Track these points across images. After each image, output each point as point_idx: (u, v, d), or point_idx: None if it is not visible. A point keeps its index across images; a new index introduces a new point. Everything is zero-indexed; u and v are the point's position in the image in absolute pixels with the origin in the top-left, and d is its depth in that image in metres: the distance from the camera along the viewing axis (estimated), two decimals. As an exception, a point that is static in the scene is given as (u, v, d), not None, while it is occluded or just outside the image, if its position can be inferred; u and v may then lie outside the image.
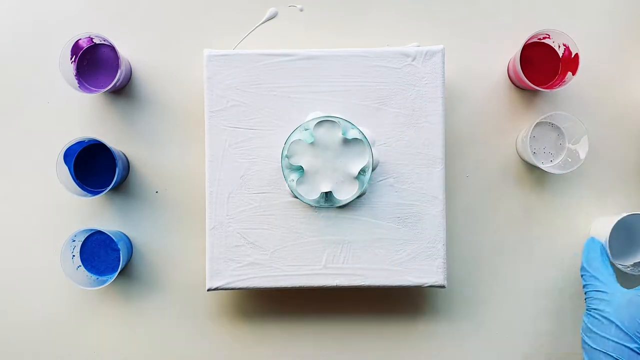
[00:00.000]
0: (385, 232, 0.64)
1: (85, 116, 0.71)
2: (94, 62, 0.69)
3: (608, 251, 0.64)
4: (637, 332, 0.57)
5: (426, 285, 0.64)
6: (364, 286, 0.64)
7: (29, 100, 0.71)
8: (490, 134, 0.71)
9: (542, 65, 0.69)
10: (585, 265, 0.63)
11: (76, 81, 0.68)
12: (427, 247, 0.64)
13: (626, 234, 0.69)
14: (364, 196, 0.64)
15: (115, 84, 0.65)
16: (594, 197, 0.70)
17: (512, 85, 0.71)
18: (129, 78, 0.70)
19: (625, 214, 0.64)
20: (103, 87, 0.68)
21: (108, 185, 0.66)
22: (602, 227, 0.67)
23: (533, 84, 0.66)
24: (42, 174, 0.69)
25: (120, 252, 0.65)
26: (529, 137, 0.66)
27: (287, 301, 0.70)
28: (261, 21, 0.71)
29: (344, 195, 0.63)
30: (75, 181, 0.68)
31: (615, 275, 0.62)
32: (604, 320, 0.58)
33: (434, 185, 0.64)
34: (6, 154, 0.71)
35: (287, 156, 0.62)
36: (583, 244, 0.69)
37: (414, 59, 0.65)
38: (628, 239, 0.69)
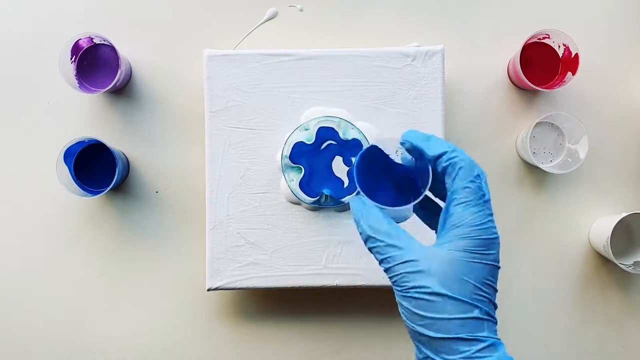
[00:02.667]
0: (385, 232, 0.64)
1: (85, 116, 0.71)
2: (94, 62, 0.69)
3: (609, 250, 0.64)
4: (474, 294, 0.43)
5: (426, 285, 0.64)
6: (364, 286, 0.64)
7: (29, 100, 0.71)
8: (490, 134, 0.71)
9: (542, 65, 0.69)
10: (370, 233, 0.45)
11: (76, 81, 0.68)
12: (427, 247, 0.64)
13: (626, 234, 0.69)
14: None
15: (115, 84, 0.65)
16: (594, 197, 0.70)
17: (512, 85, 0.71)
18: (129, 78, 0.70)
19: (625, 214, 0.64)
20: (103, 87, 0.68)
21: (108, 185, 0.66)
22: (602, 227, 0.67)
23: (533, 84, 0.66)
24: (42, 174, 0.69)
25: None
26: (529, 137, 0.66)
27: (287, 301, 0.70)
28: (261, 21, 0.71)
29: (344, 195, 0.63)
30: (75, 181, 0.68)
31: (406, 233, 0.45)
32: (431, 297, 0.43)
33: (434, 185, 0.64)
34: (6, 154, 0.71)
35: (286, 156, 0.62)
36: (580, 244, 0.69)
37: (414, 59, 0.65)
38: (628, 239, 0.69)
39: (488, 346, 0.42)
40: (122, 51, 0.69)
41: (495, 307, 0.44)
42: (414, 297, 0.43)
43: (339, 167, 0.64)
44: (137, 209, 0.70)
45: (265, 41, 0.71)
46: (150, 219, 0.70)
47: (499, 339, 0.43)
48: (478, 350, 0.42)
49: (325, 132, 0.63)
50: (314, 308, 0.70)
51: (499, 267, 0.45)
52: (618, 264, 0.65)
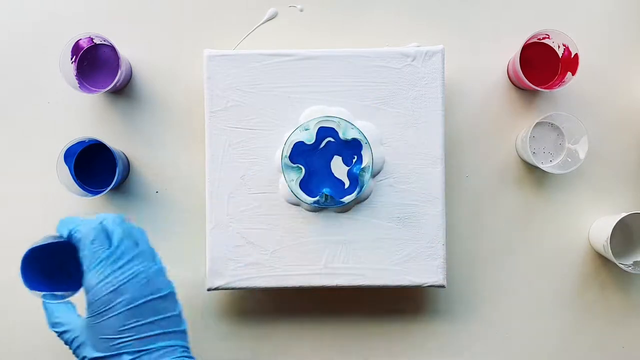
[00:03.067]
0: (385, 232, 0.64)
1: (85, 116, 0.71)
2: (94, 63, 0.69)
3: (609, 253, 0.64)
4: (115, 345, 0.49)
5: (426, 285, 0.64)
6: (364, 286, 0.64)
7: (29, 100, 0.71)
8: (490, 134, 0.71)
9: (542, 65, 0.69)
10: (52, 327, 0.53)
11: (76, 81, 0.68)
12: (426, 247, 0.64)
13: (626, 234, 0.69)
14: (364, 196, 0.64)
15: (115, 84, 0.65)
16: (594, 197, 0.70)
17: (512, 85, 0.71)
18: (129, 78, 0.70)
19: (625, 214, 0.64)
20: (103, 87, 0.68)
21: (108, 185, 0.66)
22: (601, 227, 0.67)
23: (533, 84, 0.66)
24: (42, 174, 0.69)
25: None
26: (528, 137, 0.66)
27: (287, 301, 0.70)
28: (261, 21, 0.71)
29: (344, 195, 0.63)
30: (75, 181, 0.68)
31: (70, 303, 0.54)
32: None
33: (434, 185, 0.64)
34: (6, 154, 0.71)
35: (286, 156, 0.62)
36: (580, 244, 0.69)
37: (414, 59, 0.65)
38: (628, 239, 0.69)
39: None
40: (123, 51, 0.69)
41: (161, 333, 0.50)
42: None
43: (339, 167, 0.64)
44: (137, 209, 0.70)
45: (265, 41, 0.71)
46: (150, 219, 0.70)
47: None
48: None
49: (325, 132, 0.63)
50: (314, 308, 0.70)
51: (145, 301, 0.50)
52: (618, 264, 0.65)
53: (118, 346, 0.49)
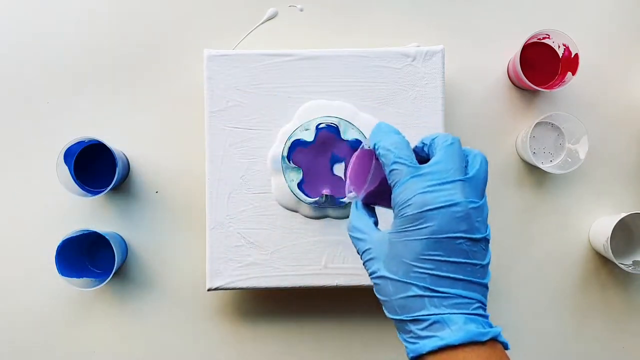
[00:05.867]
0: (385, 232, 0.64)
1: (85, 116, 0.71)
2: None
3: (610, 252, 0.64)
4: (410, 273, 0.42)
5: (426, 285, 0.64)
6: (364, 286, 0.64)
7: (29, 100, 0.71)
8: (490, 134, 0.71)
9: (542, 65, 0.69)
10: (349, 232, 0.48)
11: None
12: (427, 247, 0.64)
13: (626, 234, 0.69)
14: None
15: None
16: (594, 197, 0.70)
17: (512, 85, 0.71)
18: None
19: (625, 214, 0.64)
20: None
21: (108, 185, 0.66)
22: (602, 227, 0.67)
23: (533, 84, 0.66)
24: (42, 174, 0.69)
25: (115, 253, 0.65)
26: (529, 137, 0.66)
27: (287, 301, 0.70)
28: (261, 21, 0.71)
29: (344, 195, 0.63)
30: (75, 181, 0.68)
31: (375, 222, 0.48)
32: (380, 280, 0.44)
33: (434, 185, 0.64)
34: (6, 154, 0.71)
35: (286, 156, 0.62)
36: (580, 244, 0.69)
37: (414, 59, 0.65)
38: (628, 239, 0.69)
39: (431, 324, 0.42)
40: (123, 51, 0.69)
41: (457, 279, 0.42)
42: (374, 283, 0.45)
43: (339, 168, 0.64)
44: (137, 209, 0.70)
45: (265, 41, 0.71)
46: (150, 219, 0.70)
47: (450, 314, 0.41)
48: (422, 330, 0.42)
49: (325, 132, 0.63)
50: (314, 308, 0.70)
51: (454, 237, 0.42)
52: (618, 264, 0.65)
53: (411, 275, 0.42)
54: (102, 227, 0.70)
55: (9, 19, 0.71)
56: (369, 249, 0.45)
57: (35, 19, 0.71)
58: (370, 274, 0.45)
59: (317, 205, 0.63)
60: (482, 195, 0.44)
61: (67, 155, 0.66)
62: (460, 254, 0.42)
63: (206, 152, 0.65)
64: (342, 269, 0.64)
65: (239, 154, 0.65)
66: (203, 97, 0.65)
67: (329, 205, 0.63)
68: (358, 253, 0.47)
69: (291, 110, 0.65)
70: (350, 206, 0.64)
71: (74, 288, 0.65)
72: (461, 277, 0.42)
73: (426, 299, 0.42)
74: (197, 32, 0.71)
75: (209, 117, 0.65)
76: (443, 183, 0.43)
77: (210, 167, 0.65)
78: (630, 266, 0.66)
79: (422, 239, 0.42)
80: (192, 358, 0.70)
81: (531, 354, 0.70)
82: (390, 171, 0.44)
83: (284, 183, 0.64)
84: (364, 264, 0.46)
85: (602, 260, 0.70)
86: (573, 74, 0.66)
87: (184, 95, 0.70)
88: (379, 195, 0.48)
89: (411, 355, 0.43)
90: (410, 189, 0.43)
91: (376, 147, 0.46)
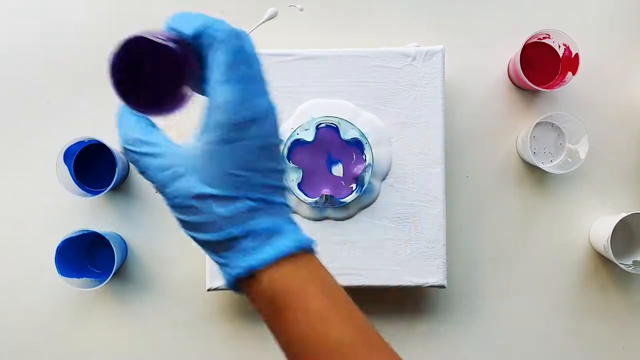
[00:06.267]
0: (385, 232, 0.64)
1: (85, 116, 0.71)
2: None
3: (610, 252, 0.64)
4: (238, 183, 0.37)
5: (426, 285, 0.64)
6: (364, 286, 0.64)
7: (29, 100, 0.71)
8: (490, 134, 0.71)
9: (542, 65, 0.69)
10: (124, 144, 0.41)
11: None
12: (427, 247, 0.64)
13: (626, 234, 0.69)
14: (364, 196, 0.64)
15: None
16: (594, 197, 0.70)
17: (512, 85, 0.71)
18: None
19: (625, 214, 0.64)
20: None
21: (108, 185, 0.66)
22: (602, 227, 0.67)
23: (533, 84, 0.65)
24: (42, 174, 0.69)
25: (115, 253, 0.65)
26: (529, 137, 0.65)
27: (287, 301, 0.70)
28: (261, 21, 0.71)
29: (344, 195, 0.63)
30: (75, 181, 0.68)
31: (162, 132, 0.41)
32: (197, 201, 0.37)
33: (434, 185, 0.64)
34: (6, 154, 0.71)
35: (285, 157, 0.62)
36: (580, 244, 0.69)
37: (414, 59, 0.65)
38: (628, 239, 0.69)
39: (264, 234, 0.37)
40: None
41: (280, 188, 0.38)
42: (182, 206, 0.38)
43: (339, 168, 0.64)
44: (137, 209, 0.70)
45: (265, 41, 0.71)
46: (151, 219, 0.70)
47: (284, 222, 0.38)
48: (253, 242, 0.37)
49: (325, 132, 0.63)
50: (314, 308, 0.70)
51: (275, 144, 0.38)
52: (618, 264, 0.65)
53: (240, 185, 0.37)
54: (102, 227, 0.70)
55: (9, 18, 0.71)
56: (172, 165, 0.38)
57: (35, 19, 0.71)
58: (175, 197, 0.37)
59: (316, 205, 0.63)
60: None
61: (67, 155, 0.66)
62: (277, 160, 0.39)
63: (206, 152, 0.65)
64: (342, 269, 0.64)
65: (239, 154, 0.65)
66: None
67: (329, 205, 0.63)
68: (139, 171, 0.40)
69: (291, 111, 0.65)
70: (350, 206, 0.64)
71: (74, 288, 0.65)
72: (281, 185, 0.38)
73: (257, 211, 0.37)
74: (197, 32, 0.71)
75: (209, 117, 0.65)
76: (258, 90, 0.39)
77: (210, 167, 0.64)
78: (630, 266, 0.66)
79: (251, 145, 0.37)
80: (192, 358, 0.70)
81: (531, 354, 0.70)
82: (218, 63, 0.38)
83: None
84: (160, 185, 0.38)
85: (602, 260, 0.70)
86: (573, 74, 0.66)
87: (184, 95, 0.70)
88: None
89: (241, 272, 0.37)
90: (241, 89, 0.38)
91: (205, 30, 0.39)
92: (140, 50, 0.38)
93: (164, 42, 0.38)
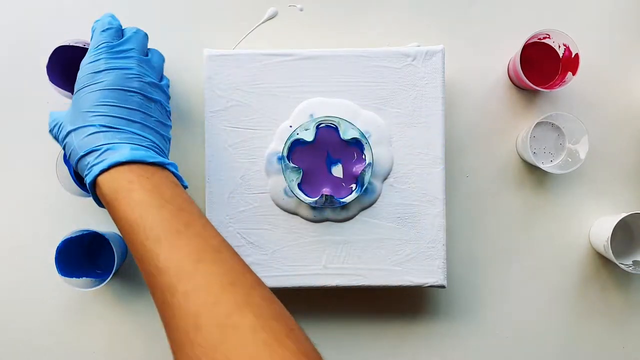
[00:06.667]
0: (385, 232, 0.64)
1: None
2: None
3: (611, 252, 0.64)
4: (89, 117, 0.52)
5: (426, 285, 0.64)
6: (364, 286, 0.64)
7: (29, 100, 0.71)
8: (490, 134, 0.71)
9: (542, 65, 0.69)
10: (49, 131, 0.56)
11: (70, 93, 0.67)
12: (427, 247, 0.64)
13: (626, 234, 0.69)
14: (366, 197, 0.64)
15: None
16: (594, 197, 0.70)
17: (512, 85, 0.71)
18: None
19: (625, 214, 0.64)
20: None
21: (108, 185, 0.65)
22: (602, 227, 0.67)
23: (533, 84, 0.65)
24: (42, 174, 0.69)
25: (115, 253, 0.65)
26: (529, 137, 0.65)
27: (287, 301, 0.70)
28: (261, 21, 0.71)
29: (344, 195, 0.63)
30: (75, 181, 0.68)
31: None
32: (68, 138, 0.53)
33: (434, 185, 0.64)
34: (6, 154, 0.71)
35: (285, 156, 0.62)
36: (580, 244, 0.69)
37: (414, 59, 0.65)
38: (628, 239, 0.69)
39: (103, 152, 0.50)
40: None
41: (133, 122, 0.52)
42: (63, 147, 0.54)
43: (339, 168, 0.64)
44: (137, 209, 0.70)
45: (265, 41, 0.71)
46: (150, 219, 0.70)
47: (120, 143, 0.51)
48: (96, 158, 0.50)
49: (325, 132, 0.63)
50: (314, 308, 0.70)
51: (133, 91, 0.53)
52: (618, 264, 0.65)
53: (88, 119, 0.51)
54: (102, 227, 0.70)
55: (9, 18, 0.71)
56: (60, 123, 0.54)
57: (35, 18, 0.71)
58: (63, 144, 0.53)
59: (316, 205, 0.63)
60: (161, 78, 0.58)
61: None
62: (133, 103, 0.53)
63: (206, 152, 0.65)
64: (342, 269, 0.64)
65: (239, 154, 0.65)
66: (203, 97, 0.65)
67: (329, 205, 0.63)
68: (58, 141, 0.54)
69: (291, 111, 0.65)
70: (351, 207, 0.64)
71: (74, 288, 0.65)
72: (136, 120, 0.52)
73: (101, 134, 0.51)
74: (197, 32, 0.71)
75: (209, 117, 0.65)
76: (125, 57, 0.54)
77: (210, 167, 0.65)
78: (630, 266, 0.66)
79: (97, 90, 0.52)
80: (192, 358, 0.70)
81: (531, 353, 0.70)
82: (91, 44, 0.55)
83: (279, 186, 0.64)
84: (60, 142, 0.54)
85: (602, 260, 0.70)
86: (573, 74, 0.66)
87: (183, 95, 0.70)
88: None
89: (88, 181, 0.50)
90: (96, 55, 0.54)
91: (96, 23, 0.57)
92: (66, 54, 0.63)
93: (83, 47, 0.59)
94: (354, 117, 0.64)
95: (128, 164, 0.49)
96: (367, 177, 0.62)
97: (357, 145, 0.63)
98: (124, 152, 0.49)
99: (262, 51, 0.65)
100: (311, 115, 0.64)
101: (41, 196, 0.70)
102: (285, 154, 0.62)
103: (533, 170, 0.71)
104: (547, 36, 0.68)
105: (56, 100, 0.70)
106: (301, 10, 0.71)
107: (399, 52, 0.65)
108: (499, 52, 0.71)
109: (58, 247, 0.64)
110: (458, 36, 0.71)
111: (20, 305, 0.70)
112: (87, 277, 0.68)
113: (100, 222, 0.70)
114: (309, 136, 0.62)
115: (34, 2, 0.71)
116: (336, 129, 0.63)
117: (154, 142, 0.53)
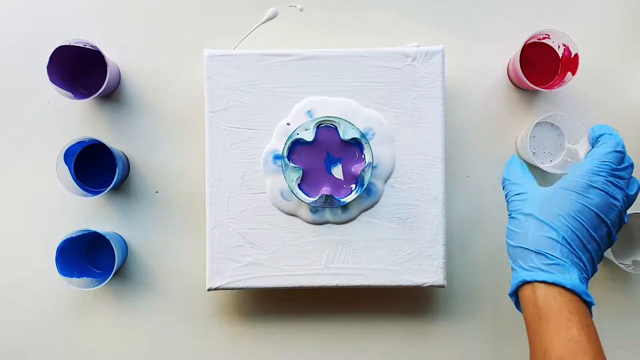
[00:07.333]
0: (385, 232, 0.64)
1: (86, 116, 0.71)
2: (86, 69, 0.69)
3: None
4: (558, 221, 0.51)
5: (426, 285, 0.64)
6: (364, 286, 0.64)
7: (29, 100, 0.71)
8: (490, 134, 0.71)
9: (542, 65, 0.69)
10: (505, 176, 0.58)
11: (70, 93, 0.68)
12: (427, 247, 0.64)
13: (626, 234, 0.69)
14: (367, 198, 0.64)
15: (102, 91, 0.65)
16: (594, 197, 0.70)
17: (512, 85, 0.71)
18: (117, 83, 0.70)
19: (625, 214, 0.64)
20: (95, 92, 0.65)
21: (108, 185, 0.66)
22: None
23: (533, 84, 0.66)
24: (42, 174, 0.69)
25: (115, 253, 0.65)
26: (528, 137, 0.66)
27: (287, 301, 0.70)
28: (261, 21, 0.71)
29: (344, 195, 0.63)
30: (75, 181, 0.68)
31: (535, 179, 0.57)
32: (522, 217, 0.53)
33: (434, 185, 0.64)
34: (6, 154, 0.71)
35: (285, 156, 0.62)
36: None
37: (414, 59, 0.65)
38: (628, 239, 0.69)
39: (554, 264, 0.50)
40: (122, 51, 0.69)
41: (586, 250, 0.51)
42: (513, 217, 0.54)
43: (339, 168, 0.64)
44: (137, 209, 0.70)
45: (265, 41, 0.71)
46: (150, 219, 0.70)
47: (571, 266, 0.50)
48: (545, 265, 0.50)
49: (325, 132, 0.63)
50: (314, 308, 0.70)
51: (605, 222, 0.51)
52: (618, 264, 0.65)
53: (559, 223, 0.51)
54: (102, 227, 0.70)
55: (9, 18, 0.71)
56: (523, 192, 0.54)
57: (36, 18, 0.71)
58: (513, 210, 0.54)
59: (316, 205, 0.63)
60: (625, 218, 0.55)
61: (67, 155, 0.66)
62: (598, 233, 0.51)
63: (206, 152, 0.65)
64: (342, 269, 0.64)
65: (239, 154, 0.65)
66: (203, 97, 0.65)
67: (329, 205, 0.63)
68: (504, 193, 0.57)
69: (291, 111, 0.65)
70: (352, 208, 0.64)
71: (74, 288, 0.65)
72: (590, 249, 0.51)
73: (560, 245, 0.50)
74: (197, 32, 0.71)
75: (209, 117, 0.65)
76: (618, 177, 0.52)
77: (210, 167, 0.65)
78: (630, 266, 0.66)
79: (581, 202, 0.51)
80: (192, 358, 0.70)
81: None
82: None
83: (277, 188, 0.64)
84: (510, 202, 0.55)
85: (602, 260, 0.70)
86: (573, 74, 0.66)
87: (183, 95, 0.70)
88: None
89: (521, 278, 0.51)
90: (602, 166, 0.52)
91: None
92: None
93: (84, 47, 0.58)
94: (355, 115, 0.64)
95: (569, 291, 0.50)
96: (367, 177, 0.62)
97: (357, 145, 0.63)
98: (572, 278, 0.50)
99: (262, 51, 0.65)
100: (309, 112, 0.64)
101: (41, 196, 0.70)
102: (285, 153, 0.62)
103: (533, 170, 0.70)
104: (547, 36, 0.68)
105: (56, 100, 0.70)
106: (301, 10, 0.71)
107: (399, 52, 0.65)
108: (499, 52, 0.71)
109: (58, 247, 0.64)
110: (458, 36, 0.71)
111: (21, 305, 0.70)
112: (87, 277, 0.68)
113: (100, 222, 0.70)
114: (309, 136, 0.62)
115: (34, 2, 0.71)
116: (336, 129, 0.63)
117: (589, 276, 0.53)
